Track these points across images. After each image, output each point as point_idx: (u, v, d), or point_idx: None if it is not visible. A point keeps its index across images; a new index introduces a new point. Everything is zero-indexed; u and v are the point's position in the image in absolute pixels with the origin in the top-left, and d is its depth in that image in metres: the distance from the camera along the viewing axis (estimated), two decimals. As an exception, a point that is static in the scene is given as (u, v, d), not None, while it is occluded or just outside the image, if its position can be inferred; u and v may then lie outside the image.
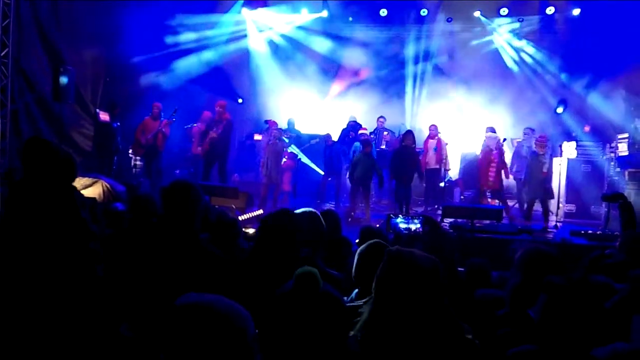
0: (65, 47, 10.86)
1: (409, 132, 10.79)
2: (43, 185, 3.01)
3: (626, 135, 10.90)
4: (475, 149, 11.88)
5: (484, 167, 10.49)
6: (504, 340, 2.42)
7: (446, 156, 11.35)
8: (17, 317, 2.65)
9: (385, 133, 12.77)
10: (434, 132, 11.38)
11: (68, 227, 2.97)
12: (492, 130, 11.18)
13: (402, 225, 7.96)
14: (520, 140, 11.35)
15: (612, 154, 11.18)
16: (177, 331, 1.47)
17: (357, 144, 11.79)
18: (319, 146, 12.55)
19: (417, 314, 1.93)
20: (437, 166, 11.19)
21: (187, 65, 13.64)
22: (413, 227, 7.85)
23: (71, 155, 3.16)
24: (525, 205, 10.22)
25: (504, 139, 10.95)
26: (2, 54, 9.35)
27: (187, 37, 13.84)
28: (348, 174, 11.11)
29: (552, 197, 10.13)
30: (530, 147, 11.09)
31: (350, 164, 11.04)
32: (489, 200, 10.90)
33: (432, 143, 11.27)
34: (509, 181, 11.13)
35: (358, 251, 3.01)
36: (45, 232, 2.97)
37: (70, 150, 10.42)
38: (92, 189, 9.03)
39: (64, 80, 9.53)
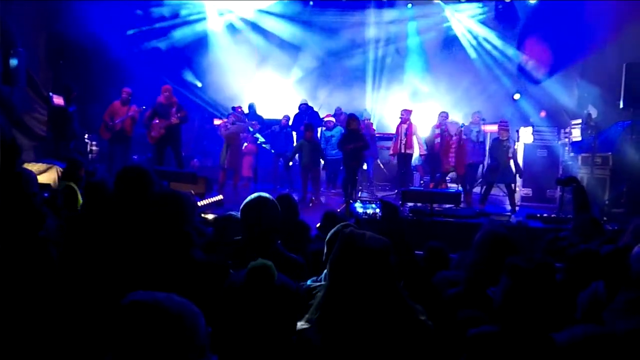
0: (16, 28, 10.43)
1: (352, 116, 10.61)
2: None
3: (579, 121, 11.19)
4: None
5: (443, 152, 10.62)
6: (464, 321, 2.45)
7: (412, 141, 11.34)
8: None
9: None
10: (404, 116, 11.33)
11: (17, 214, 2.86)
12: (446, 115, 11.29)
13: (360, 210, 8.02)
14: (467, 125, 11.44)
15: (567, 139, 11.46)
16: (126, 331, 1.42)
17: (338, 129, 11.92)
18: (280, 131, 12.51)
19: (368, 295, 1.95)
20: (406, 151, 11.18)
21: (145, 48, 13.34)
22: (370, 211, 7.91)
23: (15, 139, 3.01)
24: (483, 189, 10.43)
25: (462, 125, 11.08)
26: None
27: (145, 19, 13.52)
28: (297, 160, 11.13)
29: (514, 182, 10.34)
30: (480, 132, 11.30)
31: (293, 149, 11.04)
32: (447, 184, 11.08)
33: (403, 128, 11.25)
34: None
35: (327, 238, 3.01)
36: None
37: (22, 136, 10.09)
38: (46, 175, 8.79)
39: (14, 62, 9.19)
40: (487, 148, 11.25)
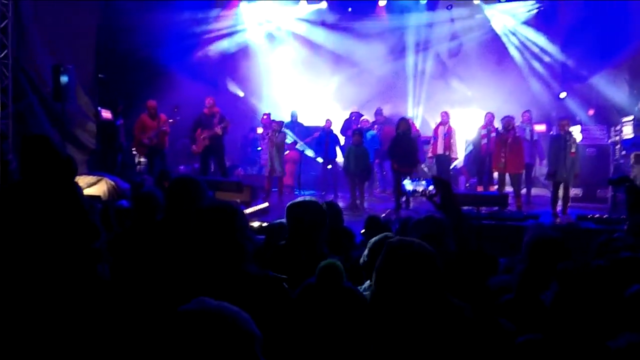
0: (65, 45, 10.81)
1: (403, 119, 10.50)
2: (43, 184, 2.98)
3: (631, 117, 10.83)
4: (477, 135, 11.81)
5: (496, 149, 10.24)
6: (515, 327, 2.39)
7: (454, 144, 11.23)
8: (15, 320, 2.64)
9: None
10: (445, 118, 11.26)
11: (71, 225, 2.96)
12: (492, 115, 11.12)
13: (409, 187, 7.90)
14: (520, 124, 11.18)
15: (617, 137, 11.11)
16: (179, 339, 1.44)
17: (372, 132, 11.98)
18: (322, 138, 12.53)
19: (416, 302, 1.93)
20: (445, 153, 11.09)
21: (187, 60, 13.60)
22: (420, 188, 7.78)
23: (70, 156, 3.12)
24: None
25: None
26: (1, 56, 9.34)
27: (187, 32, 13.80)
28: (343, 167, 11.13)
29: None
30: (533, 131, 11.09)
31: (344, 157, 11.01)
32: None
33: (442, 129, 11.17)
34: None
35: (368, 245, 3.00)
36: (46, 232, 2.94)
37: (74, 149, 10.45)
38: (96, 187, 9.05)
39: (64, 79, 9.51)
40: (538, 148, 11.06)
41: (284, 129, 11.87)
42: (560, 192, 9.52)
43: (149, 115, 10.96)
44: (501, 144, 10.11)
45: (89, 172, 9.80)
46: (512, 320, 2.53)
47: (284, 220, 3.45)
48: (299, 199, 3.15)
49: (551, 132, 11.52)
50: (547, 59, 13.94)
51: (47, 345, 2.51)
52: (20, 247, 2.94)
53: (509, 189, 10.25)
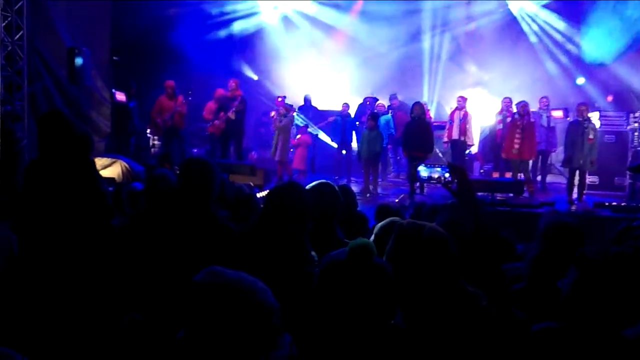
0: (81, 27, 10.81)
1: (417, 104, 10.32)
2: (61, 161, 2.99)
3: (651, 104, 10.66)
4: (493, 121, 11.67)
5: (508, 135, 10.08)
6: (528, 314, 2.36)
7: (470, 129, 11.08)
8: (37, 299, 2.66)
9: None
10: (461, 103, 11.10)
11: (88, 203, 2.97)
12: (510, 100, 10.99)
13: (424, 174, 7.75)
14: (536, 110, 11.01)
15: (636, 124, 10.92)
16: (198, 308, 1.44)
17: (387, 116, 11.95)
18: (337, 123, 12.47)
19: (427, 288, 1.89)
20: (460, 138, 10.96)
21: (201, 42, 13.56)
22: (436, 175, 7.65)
23: (87, 131, 3.11)
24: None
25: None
26: (16, 37, 9.34)
27: (202, 14, 13.75)
28: (357, 152, 11.07)
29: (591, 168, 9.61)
30: (550, 117, 10.94)
31: (358, 142, 10.93)
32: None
33: (458, 114, 11.02)
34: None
35: (375, 231, 2.96)
36: (65, 209, 2.95)
37: (90, 131, 10.53)
38: (111, 169, 9.10)
39: (79, 61, 9.51)
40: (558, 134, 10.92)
41: (296, 113, 11.81)
42: (577, 179, 9.40)
43: (167, 95, 10.90)
44: (514, 129, 9.98)
45: (104, 155, 9.85)
46: (525, 308, 2.49)
47: None
48: (312, 184, 3.10)
49: (568, 119, 11.35)
50: (566, 43, 13.72)
51: (67, 320, 2.54)
52: (43, 224, 2.96)
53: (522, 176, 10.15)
